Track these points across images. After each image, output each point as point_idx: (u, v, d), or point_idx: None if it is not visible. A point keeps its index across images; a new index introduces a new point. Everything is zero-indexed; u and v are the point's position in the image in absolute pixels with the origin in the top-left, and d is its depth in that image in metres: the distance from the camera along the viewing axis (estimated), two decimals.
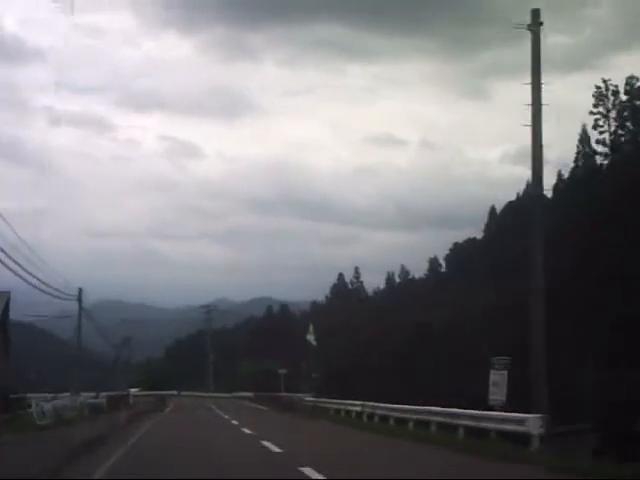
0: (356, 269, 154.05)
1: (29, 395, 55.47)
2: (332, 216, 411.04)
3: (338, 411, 48.21)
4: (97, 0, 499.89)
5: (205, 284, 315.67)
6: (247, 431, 32.73)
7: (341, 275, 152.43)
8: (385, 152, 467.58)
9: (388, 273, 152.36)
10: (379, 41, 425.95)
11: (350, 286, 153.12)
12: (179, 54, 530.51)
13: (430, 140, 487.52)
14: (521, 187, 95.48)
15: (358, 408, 43.08)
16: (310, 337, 61.39)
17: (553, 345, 33.65)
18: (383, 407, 39.33)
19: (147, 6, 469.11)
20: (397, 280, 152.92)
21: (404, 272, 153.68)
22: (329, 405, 51.90)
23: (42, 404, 40.52)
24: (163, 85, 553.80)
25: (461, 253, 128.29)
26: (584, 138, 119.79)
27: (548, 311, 32.45)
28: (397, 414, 36.50)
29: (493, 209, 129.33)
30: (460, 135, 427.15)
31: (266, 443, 24.92)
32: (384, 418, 38.01)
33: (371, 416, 40.12)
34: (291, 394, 68.16)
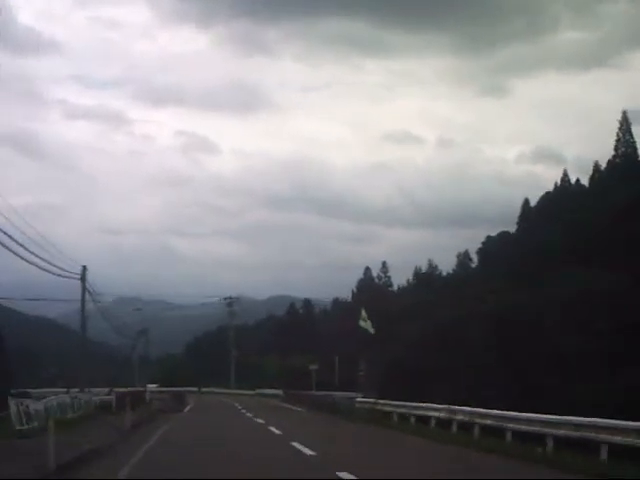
0: (384, 263, 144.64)
1: (41, 390, 51.63)
2: (348, 213, 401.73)
3: (404, 417, 36.14)
4: None
5: (222, 281, 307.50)
6: (305, 450, 22.19)
7: (368, 269, 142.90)
8: (402, 149, 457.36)
9: (416, 268, 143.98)
10: (396, 37, 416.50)
11: (377, 280, 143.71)
12: (195, 48, 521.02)
13: (447, 138, 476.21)
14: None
15: (441, 414, 31.35)
16: (365, 324, 49.22)
17: None
18: (491, 415, 26.97)
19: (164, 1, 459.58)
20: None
21: (431, 267, 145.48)
22: (391, 409, 38.70)
23: (28, 403, 31.14)
24: (180, 79, 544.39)
25: (494, 246, 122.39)
26: (624, 127, 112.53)
27: None
28: (520, 426, 24.16)
29: (527, 201, 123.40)
30: (477, 133, 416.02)
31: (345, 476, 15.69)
32: (489, 430, 26.56)
33: (465, 426, 28.64)
34: (330, 393, 58.52)
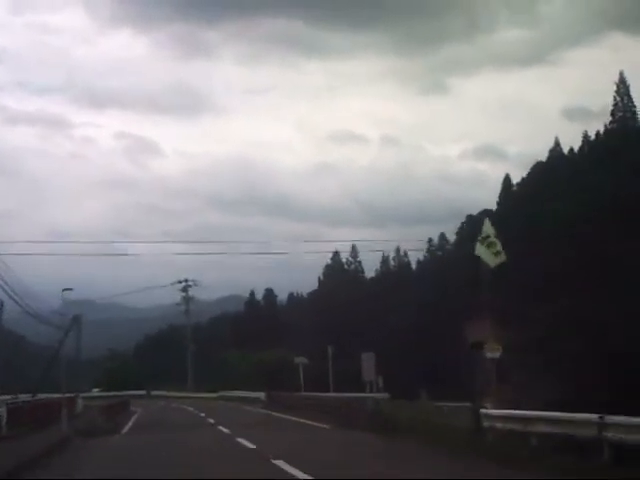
0: (353, 247, 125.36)
1: None
2: (295, 213, 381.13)
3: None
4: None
5: (169, 286, 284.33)
6: None
7: (336, 254, 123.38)
8: (347, 149, 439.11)
9: (383, 256, 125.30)
10: (336, 37, 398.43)
11: (347, 266, 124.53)
12: (135, 52, 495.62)
13: (391, 137, 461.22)
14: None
15: None
16: (486, 250, 21.92)
17: None
18: None
19: (100, 4, 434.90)
20: (392, 263, 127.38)
21: (399, 256, 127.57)
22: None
23: None
24: (121, 84, 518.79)
25: (473, 226, 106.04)
26: (622, 89, 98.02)
27: None
28: None
29: (507, 177, 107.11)
30: (420, 131, 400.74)
31: None
32: None
33: None
34: (354, 395, 38.97)
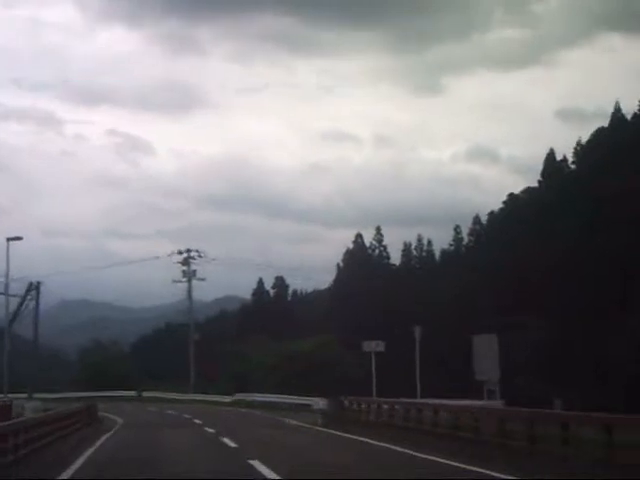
0: (378, 229, 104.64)
1: None
2: (289, 213, 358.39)
3: None
4: None
5: (167, 283, 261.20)
6: None
7: (359, 236, 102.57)
8: (340, 149, 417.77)
9: (405, 244, 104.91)
10: (328, 35, 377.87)
11: (370, 251, 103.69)
12: (126, 48, 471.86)
13: (384, 136, 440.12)
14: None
15: None
16: None
17: None
18: None
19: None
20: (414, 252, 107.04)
21: (420, 243, 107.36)
22: None
23: None
24: (112, 80, 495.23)
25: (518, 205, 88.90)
26: None
27: None
28: None
29: (552, 152, 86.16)
30: (413, 132, 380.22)
31: None
32: None
33: None
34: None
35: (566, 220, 68.78)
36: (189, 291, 63.18)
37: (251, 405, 44.34)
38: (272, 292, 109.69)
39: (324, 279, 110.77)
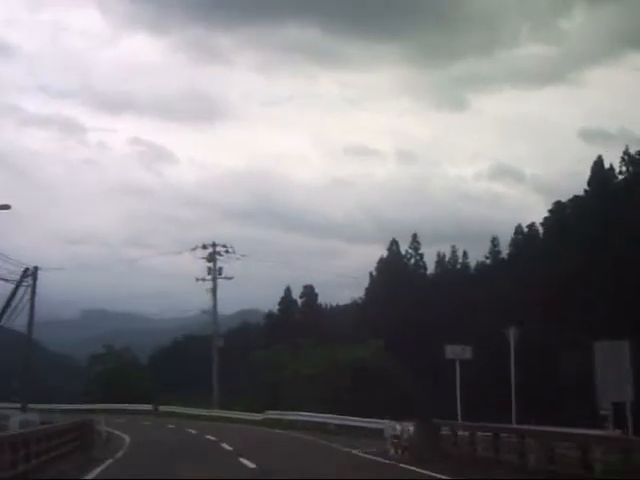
0: (414, 236, 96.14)
1: None
2: (310, 227, 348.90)
3: None
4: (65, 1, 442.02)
5: (188, 295, 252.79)
6: None
7: (395, 243, 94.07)
8: (361, 164, 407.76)
9: (439, 255, 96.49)
10: (352, 47, 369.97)
11: (406, 260, 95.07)
12: (150, 56, 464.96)
13: (406, 152, 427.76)
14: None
15: None
16: None
17: None
18: None
19: (116, 6, 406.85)
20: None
21: (455, 256, 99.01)
22: None
23: None
24: (135, 88, 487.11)
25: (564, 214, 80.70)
26: None
27: None
28: None
29: (600, 160, 78.77)
30: (435, 148, 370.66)
31: None
32: None
33: None
34: None
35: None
36: (214, 289, 54.55)
37: (292, 426, 35.41)
38: (300, 302, 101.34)
39: (347, 295, 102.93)
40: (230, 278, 54.68)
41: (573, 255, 68.45)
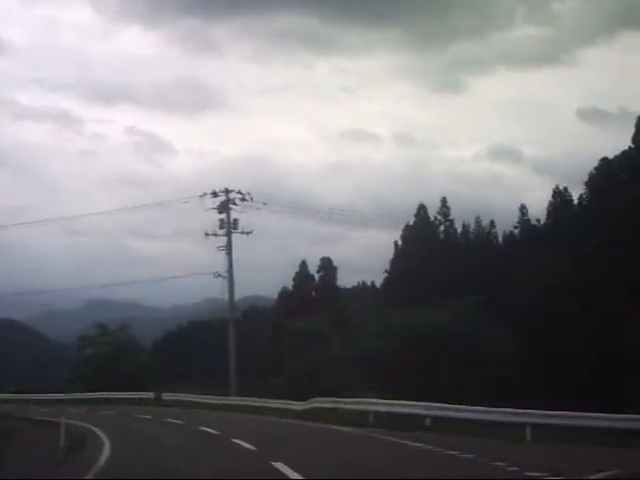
0: (444, 200, 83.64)
1: None
2: (309, 212, 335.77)
3: None
4: None
5: (192, 283, 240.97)
6: None
7: (422, 207, 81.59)
8: (360, 149, 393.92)
9: (464, 225, 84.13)
10: (348, 33, 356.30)
11: (437, 223, 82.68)
12: (144, 47, 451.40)
13: (404, 136, 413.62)
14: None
15: None
16: None
17: None
18: None
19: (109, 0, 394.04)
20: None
21: (479, 225, 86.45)
22: None
23: None
24: (130, 79, 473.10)
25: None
26: None
27: None
28: None
29: None
30: (434, 131, 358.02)
31: None
32: None
33: None
34: None
35: None
36: (228, 244, 41.45)
37: (354, 419, 22.36)
38: (317, 277, 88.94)
39: (351, 279, 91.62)
40: (248, 232, 41.94)
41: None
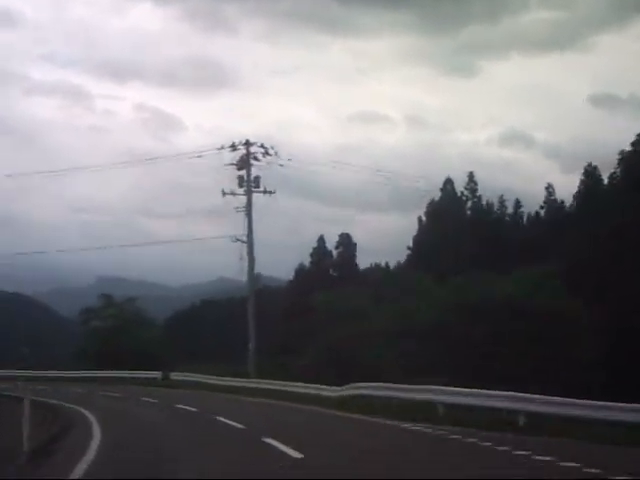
0: (471, 175, 78.35)
1: None
2: (319, 194, 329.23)
3: None
4: None
5: (202, 262, 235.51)
6: None
7: (449, 181, 76.17)
8: (372, 131, 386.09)
9: (487, 203, 79.37)
10: (363, 15, 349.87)
11: (464, 199, 77.40)
12: (154, 24, 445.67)
13: (416, 118, 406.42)
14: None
15: None
16: None
17: None
18: None
19: None
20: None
21: (502, 205, 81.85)
22: None
23: None
24: (141, 56, 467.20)
25: None
26: None
27: None
28: None
29: None
30: (446, 114, 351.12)
31: None
32: None
33: None
34: None
35: None
36: (248, 204, 35.76)
37: (407, 411, 16.77)
38: (335, 253, 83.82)
39: (364, 261, 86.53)
40: (271, 192, 36.53)
41: None
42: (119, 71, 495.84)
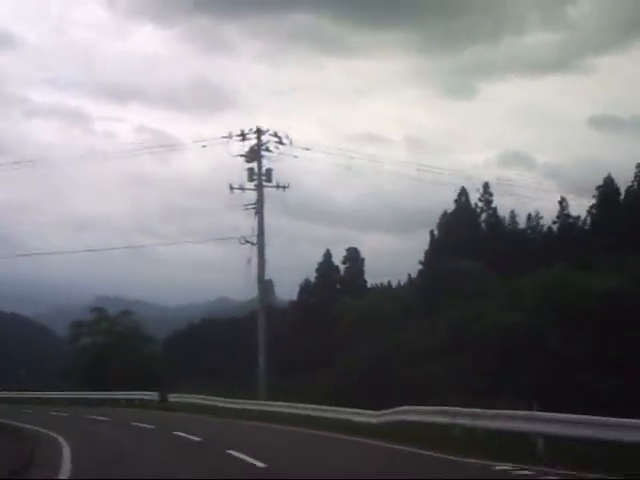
0: (486, 186, 73.52)
1: None
2: (319, 215, 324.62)
3: None
4: None
5: (202, 283, 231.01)
6: None
7: (464, 191, 71.46)
8: (370, 152, 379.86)
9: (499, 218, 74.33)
10: (359, 35, 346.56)
11: (479, 211, 72.79)
12: (156, 46, 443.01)
13: (415, 139, 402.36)
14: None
15: None
16: None
17: None
18: None
19: None
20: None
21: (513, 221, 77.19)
22: None
23: None
24: (142, 78, 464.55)
25: None
26: None
27: None
28: None
29: None
30: (445, 136, 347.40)
31: None
32: None
33: None
34: None
35: None
36: (259, 200, 30.49)
37: (524, 454, 11.80)
38: (342, 268, 78.97)
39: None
40: (284, 187, 31.52)
41: None
42: (119, 93, 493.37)
